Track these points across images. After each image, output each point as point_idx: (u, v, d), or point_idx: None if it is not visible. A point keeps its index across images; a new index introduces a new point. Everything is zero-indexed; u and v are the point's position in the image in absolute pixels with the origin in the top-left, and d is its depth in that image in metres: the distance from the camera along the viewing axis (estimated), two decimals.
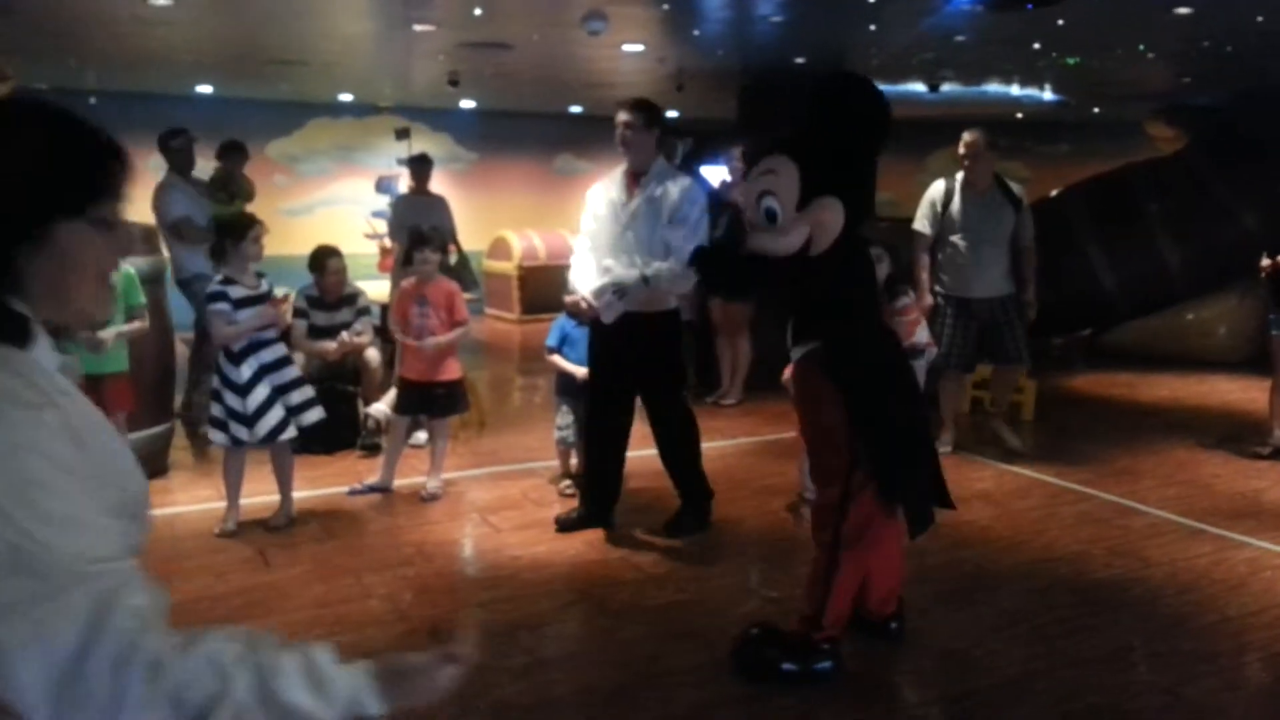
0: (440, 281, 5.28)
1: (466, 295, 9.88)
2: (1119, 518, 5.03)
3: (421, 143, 11.61)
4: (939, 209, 6.02)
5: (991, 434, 6.30)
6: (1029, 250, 5.93)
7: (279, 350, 4.54)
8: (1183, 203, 9.48)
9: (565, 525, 4.66)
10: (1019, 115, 12.43)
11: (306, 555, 4.33)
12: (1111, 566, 4.37)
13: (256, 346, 4.45)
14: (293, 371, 4.61)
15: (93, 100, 10.08)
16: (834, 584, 3.27)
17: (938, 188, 6.10)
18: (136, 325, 4.57)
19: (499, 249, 12.34)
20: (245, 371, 4.41)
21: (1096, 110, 12.24)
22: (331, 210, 11.87)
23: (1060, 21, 5.76)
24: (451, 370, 5.21)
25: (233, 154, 7.79)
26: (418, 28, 6.19)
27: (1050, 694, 3.26)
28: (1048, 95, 10.46)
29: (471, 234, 12.20)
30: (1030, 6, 4.06)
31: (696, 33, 6.51)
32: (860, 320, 3.31)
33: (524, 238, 12.22)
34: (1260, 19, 5.75)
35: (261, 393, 4.42)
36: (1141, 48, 6.85)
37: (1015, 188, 6.00)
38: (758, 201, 3.21)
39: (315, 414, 4.65)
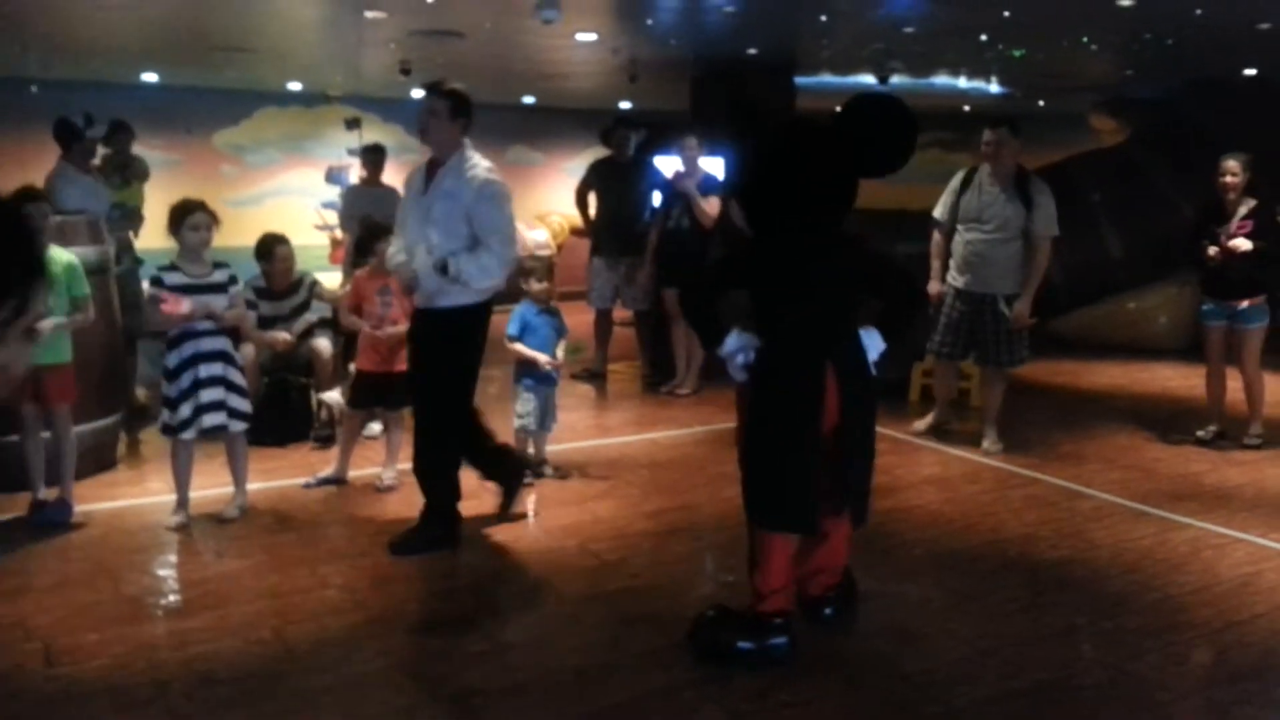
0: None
1: None
2: (1065, 500, 5.15)
3: (373, 133, 11.51)
4: (954, 197, 6.05)
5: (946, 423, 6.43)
6: (1042, 248, 5.84)
7: (218, 343, 4.45)
8: (1124, 193, 9.69)
9: (399, 548, 4.21)
10: (966, 108, 12.60)
11: (260, 547, 4.29)
12: (1058, 548, 4.47)
13: (192, 336, 4.37)
14: (230, 370, 4.50)
15: (34, 88, 9.85)
16: (759, 554, 3.38)
17: (958, 176, 6.13)
18: (79, 317, 4.49)
19: None
20: (173, 360, 4.36)
21: (1041, 103, 12.44)
22: (280, 201, 11.69)
23: (1006, 13, 5.86)
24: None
25: (120, 135, 7.66)
26: (369, 14, 6.13)
27: (999, 671, 3.34)
28: (994, 88, 10.62)
29: None
30: None
31: (650, 22, 6.53)
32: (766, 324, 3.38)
33: None
34: (1199, 11, 5.89)
35: (185, 381, 4.35)
36: (1085, 39, 6.99)
37: (1036, 183, 5.91)
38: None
39: (247, 409, 4.61)
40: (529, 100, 12.43)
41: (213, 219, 4.52)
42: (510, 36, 7.01)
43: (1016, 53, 7.67)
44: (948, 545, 4.51)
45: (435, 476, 4.34)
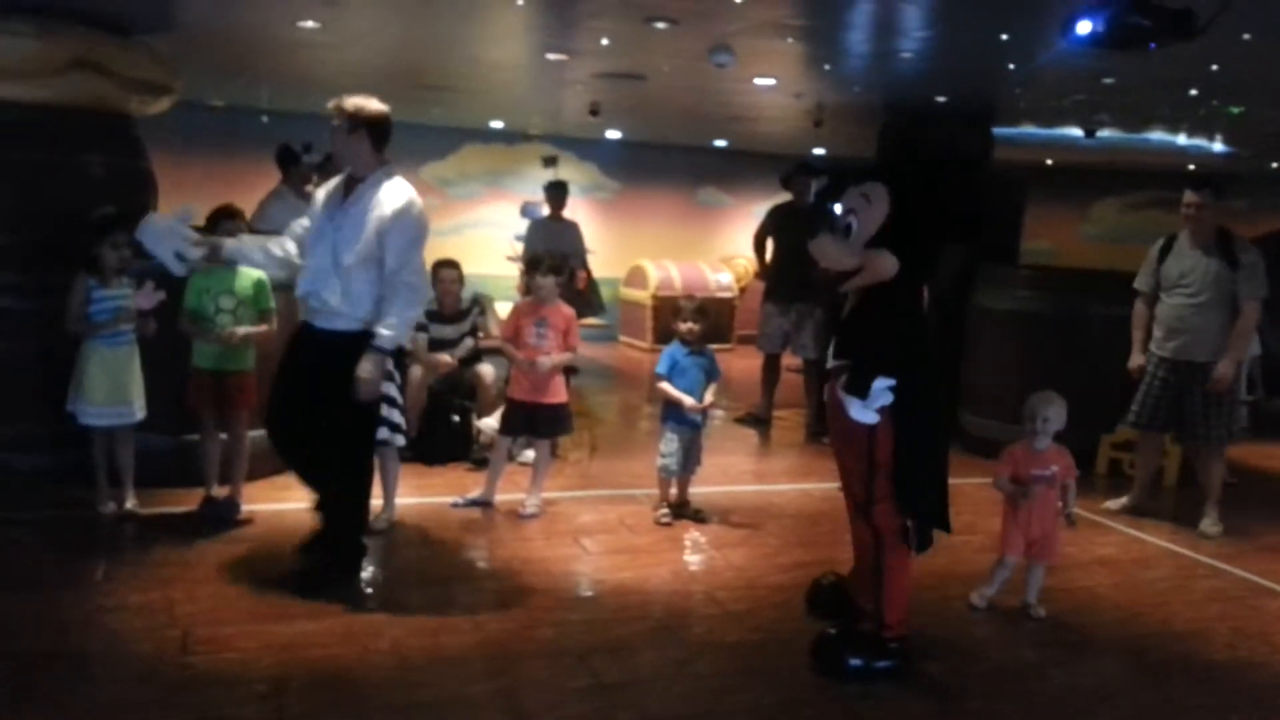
0: (560, 305, 5.35)
1: (593, 320, 10.11)
2: (1252, 597, 4.64)
3: (568, 171, 11.90)
4: (1155, 265, 5.77)
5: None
6: (1247, 309, 5.42)
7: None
8: None
9: (303, 583, 3.99)
10: (1190, 167, 11.76)
11: (398, 560, 4.44)
12: (1234, 648, 4.03)
13: None
14: (390, 386, 4.65)
15: (265, 119, 10.74)
16: (884, 583, 3.58)
17: (1157, 244, 5.85)
18: (264, 327, 4.80)
19: (635, 277, 12.46)
20: None
21: (1276, 165, 11.48)
22: (478, 232, 12.24)
23: (1214, 67, 5.43)
24: (558, 393, 5.27)
25: (330, 166, 8.09)
26: (550, 56, 6.34)
27: None
28: (1217, 147, 9.87)
29: (611, 262, 12.42)
30: (1153, 46, 3.83)
31: (828, 67, 6.44)
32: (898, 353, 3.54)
33: (660, 268, 12.31)
34: None
35: None
36: None
37: (1240, 242, 5.56)
38: (845, 213, 3.51)
39: (401, 423, 4.81)
40: (720, 143, 12.53)
41: None
42: (690, 80, 7.08)
43: (1234, 110, 7.09)
44: (1107, 631, 4.15)
45: (353, 505, 4.17)
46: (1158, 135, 9.15)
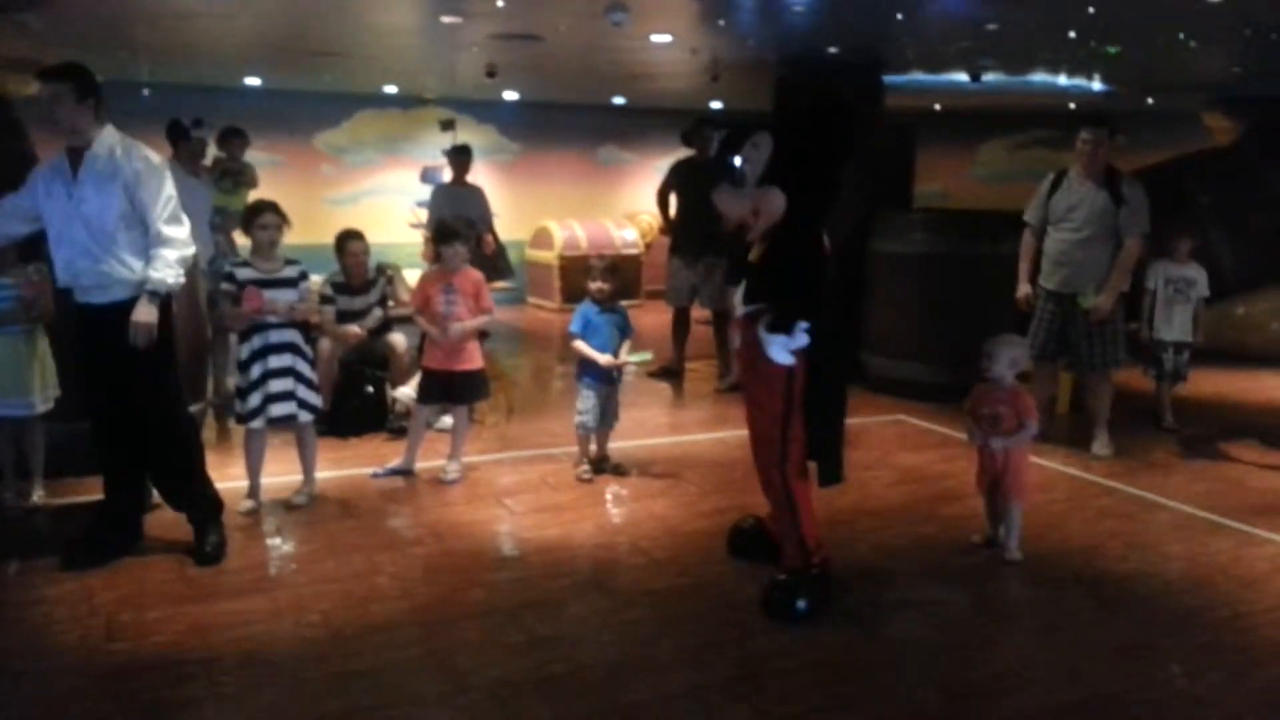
0: (467, 270, 5.35)
1: (502, 284, 10.07)
2: (1142, 512, 4.95)
3: (467, 134, 11.75)
4: (1044, 199, 5.99)
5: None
6: (1129, 245, 5.70)
7: (286, 336, 4.60)
8: (1234, 195, 9.27)
9: (72, 558, 3.99)
10: (1071, 106, 12.17)
11: (322, 533, 4.43)
12: (1127, 560, 4.31)
13: (262, 329, 4.54)
14: (299, 361, 4.66)
15: (146, 92, 10.35)
16: (798, 518, 3.74)
17: (1048, 179, 6.07)
18: None
19: (541, 239, 12.44)
20: (244, 351, 4.55)
21: (1150, 101, 11.94)
22: (377, 200, 12.03)
23: (1090, 10, 5.64)
24: (473, 359, 5.28)
25: (234, 140, 7.92)
26: (446, 19, 6.26)
27: (1045, 685, 3.24)
28: (1096, 86, 10.23)
29: (515, 224, 12.37)
30: None
31: (721, 23, 6.49)
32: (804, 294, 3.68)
33: (566, 228, 12.30)
34: None
35: (255, 372, 4.53)
36: (1182, 36, 6.68)
37: (1127, 180, 5.80)
38: (741, 164, 3.69)
39: (316, 400, 4.76)
40: (620, 101, 12.51)
41: (282, 219, 4.70)
42: (587, 39, 7.06)
43: (1111, 50, 7.37)
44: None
45: (192, 478, 4.23)
46: (1040, 77, 9.44)
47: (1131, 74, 9.36)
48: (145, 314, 3.85)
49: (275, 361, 4.58)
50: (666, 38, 6.97)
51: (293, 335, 4.67)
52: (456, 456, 5.29)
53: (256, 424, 4.59)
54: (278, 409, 4.58)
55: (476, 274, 5.39)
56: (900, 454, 5.92)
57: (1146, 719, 3.04)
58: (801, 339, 3.60)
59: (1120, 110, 12.56)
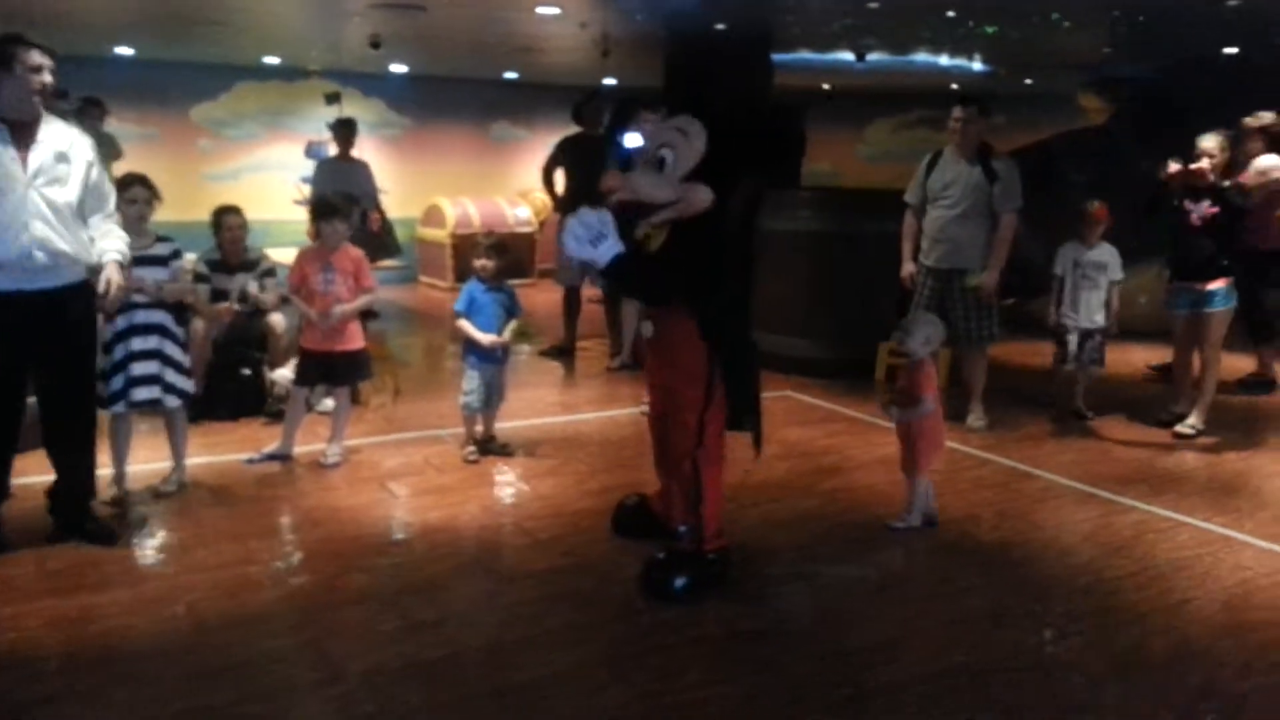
0: (347, 248, 5.20)
1: (390, 262, 9.85)
2: (1014, 482, 5.11)
3: (353, 108, 11.42)
4: (923, 178, 6.09)
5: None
6: (1004, 220, 5.84)
7: (154, 317, 4.39)
8: (1105, 173, 9.61)
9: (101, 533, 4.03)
10: (954, 86, 12.46)
11: (191, 521, 4.27)
12: (998, 529, 4.44)
13: (127, 309, 4.31)
14: (166, 343, 4.46)
15: None
16: (704, 500, 3.69)
17: (926, 158, 6.18)
18: None
19: (432, 216, 12.21)
20: (108, 332, 4.32)
21: (1029, 82, 12.31)
22: (259, 176, 11.63)
23: None
24: (354, 339, 5.14)
25: (91, 111, 7.58)
26: None
27: (918, 654, 3.31)
28: (977, 66, 10.50)
29: (405, 201, 12.11)
30: None
31: None
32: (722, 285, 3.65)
33: (458, 205, 12.10)
34: None
35: (118, 354, 4.32)
36: (1055, 16, 6.88)
37: (1000, 160, 5.93)
38: (657, 147, 3.57)
39: (184, 384, 4.55)
40: (512, 75, 12.33)
41: (151, 193, 4.50)
42: (473, 10, 6.92)
43: (989, 29, 7.56)
44: (888, 526, 4.47)
45: (93, 449, 4.15)
46: (923, 57, 9.64)
47: (1010, 54, 9.63)
48: (119, 276, 3.84)
49: (140, 344, 4.37)
50: (554, 10, 6.88)
51: (161, 316, 4.46)
52: (337, 440, 5.16)
53: (119, 409, 4.38)
54: (141, 393, 4.37)
55: (356, 252, 5.24)
56: (786, 429, 5.99)
57: (1013, 683, 3.14)
58: (606, 252, 3.50)
59: (1001, 91, 12.97)
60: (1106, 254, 6.21)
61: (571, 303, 8.07)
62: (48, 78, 3.70)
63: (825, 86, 13.11)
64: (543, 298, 10.20)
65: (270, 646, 3.20)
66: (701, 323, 3.61)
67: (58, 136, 3.78)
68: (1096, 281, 6.18)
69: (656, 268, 3.66)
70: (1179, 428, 5.92)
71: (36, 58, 3.67)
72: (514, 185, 13.27)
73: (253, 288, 5.93)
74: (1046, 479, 5.14)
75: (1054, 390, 6.50)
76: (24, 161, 3.69)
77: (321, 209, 5.23)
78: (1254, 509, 4.75)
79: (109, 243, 3.89)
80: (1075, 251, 6.23)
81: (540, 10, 6.83)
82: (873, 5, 6.40)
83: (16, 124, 3.69)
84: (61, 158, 3.77)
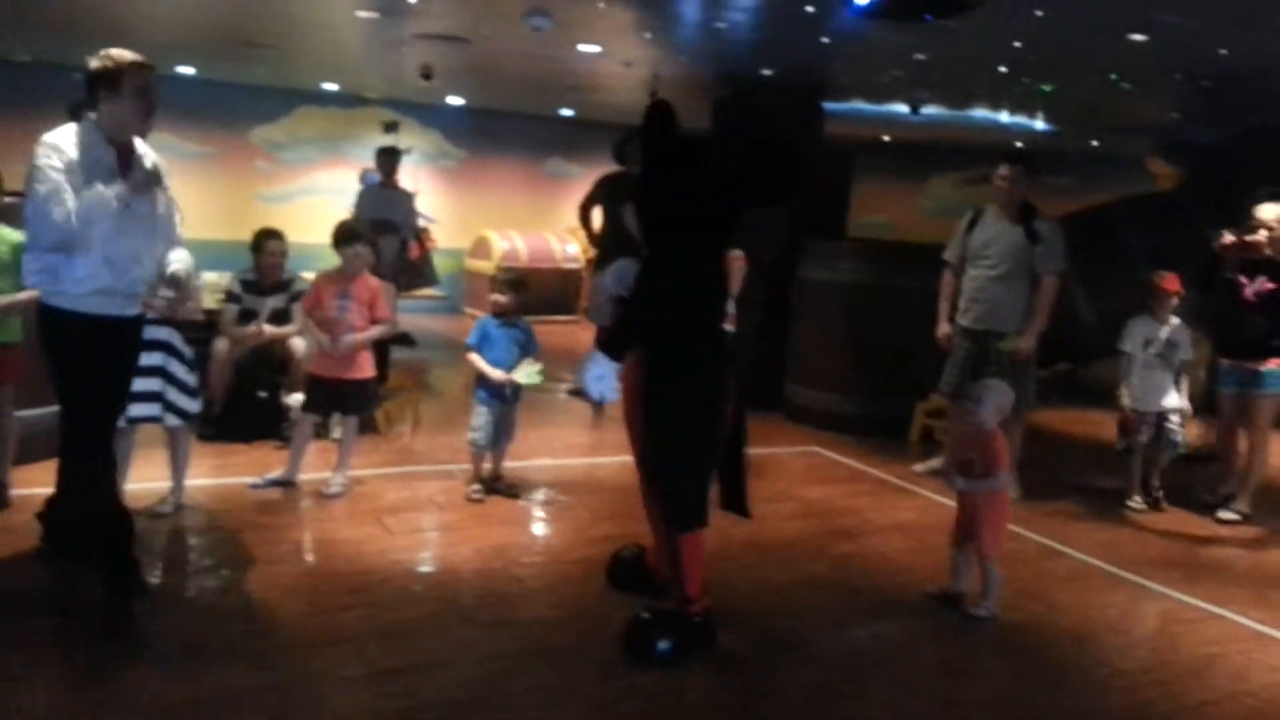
0: (366, 277, 5.16)
1: (429, 291, 9.85)
2: (1040, 559, 4.84)
3: (410, 137, 11.56)
4: (963, 236, 5.91)
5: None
6: (1044, 284, 5.61)
7: (160, 334, 4.33)
8: (1166, 240, 9.27)
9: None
10: (1018, 144, 12.21)
11: (178, 546, 4.20)
12: (1017, 609, 4.18)
13: None
14: (171, 362, 4.41)
15: (77, 75, 10.02)
16: (681, 562, 3.53)
17: (966, 216, 6.00)
18: (27, 295, 4.44)
19: (480, 248, 12.23)
20: None
21: (1095, 143, 12.01)
22: (313, 199, 11.75)
23: (1017, 44, 5.58)
24: (364, 368, 5.08)
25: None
26: (360, 14, 6.08)
27: None
28: (1039, 125, 10.25)
29: (456, 231, 12.18)
30: (929, 18, 3.91)
31: (649, 35, 6.36)
32: (679, 335, 3.52)
33: (506, 238, 12.11)
34: (1223, 52, 5.54)
35: None
36: (1114, 77, 6.66)
37: (1044, 221, 5.70)
38: None
39: (187, 404, 4.48)
40: (566, 112, 12.36)
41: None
42: (513, 45, 6.89)
43: (1046, 88, 7.35)
44: (896, 598, 4.24)
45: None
46: (981, 113, 9.44)
47: (1072, 114, 9.37)
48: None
49: (143, 360, 4.32)
50: (595, 48, 6.83)
51: (167, 334, 4.41)
52: (342, 469, 5.08)
53: (120, 424, 4.33)
54: (139, 409, 4.31)
55: (375, 282, 5.20)
56: (806, 487, 5.79)
57: None
58: (609, 388, 3.49)
59: (1066, 150, 12.69)
60: (1179, 331, 5.73)
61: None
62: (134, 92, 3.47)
63: (885, 138, 12.93)
64: (587, 335, 10.10)
65: (226, 685, 3.08)
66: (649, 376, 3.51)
67: (147, 158, 3.57)
68: (1170, 360, 5.68)
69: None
70: (1222, 513, 5.59)
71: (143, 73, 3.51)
72: (564, 221, 13.25)
73: (262, 327, 5.90)
74: (1075, 559, 4.86)
75: (1128, 480, 5.90)
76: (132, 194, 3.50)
77: (343, 234, 5.19)
78: None
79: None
80: (1146, 328, 5.75)
81: (581, 48, 6.78)
82: (918, 57, 6.24)
83: (121, 143, 3.52)
84: (154, 189, 3.59)
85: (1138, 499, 5.75)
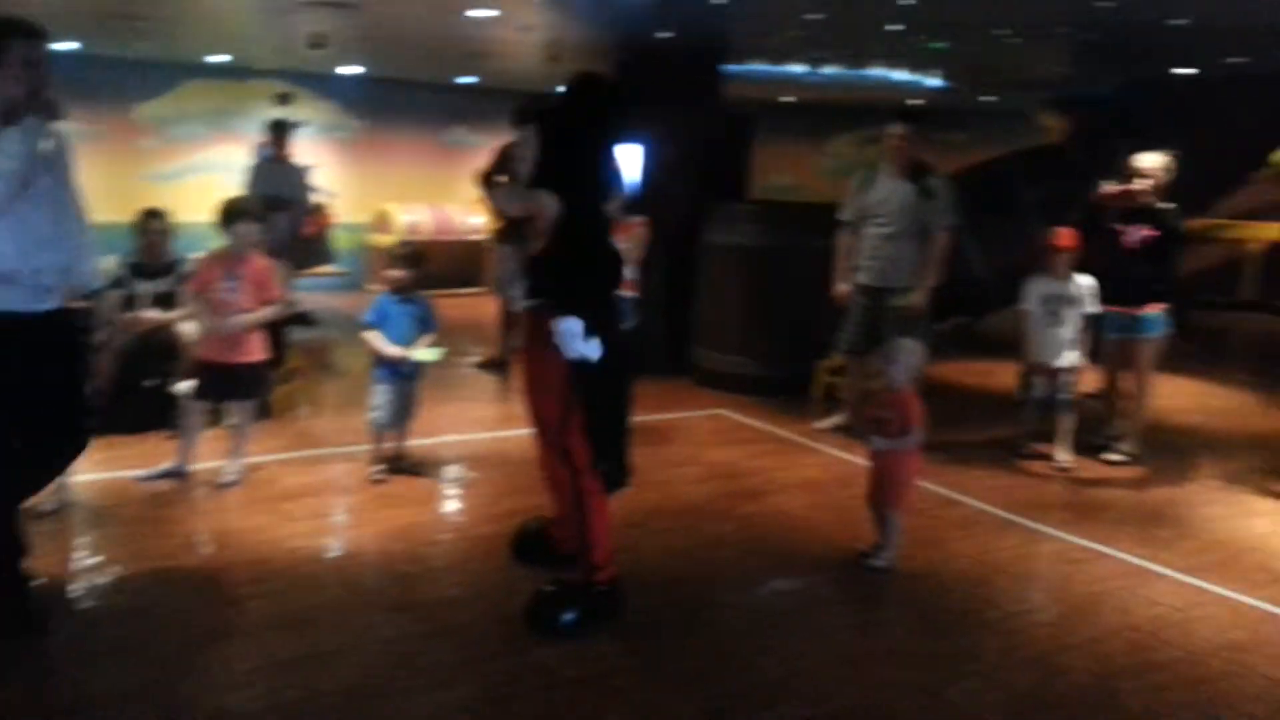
0: (255, 256, 5.01)
1: (327, 268, 9.64)
2: (937, 508, 4.96)
3: (304, 110, 11.23)
4: (857, 196, 5.99)
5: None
6: (936, 239, 5.75)
7: None
8: (1057, 192, 9.53)
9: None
10: (915, 102, 12.39)
11: (60, 546, 4.04)
12: (913, 559, 4.28)
13: None
14: None
15: None
16: (586, 524, 3.52)
17: (859, 175, 6.09)
18: None
19: (382, 222, 11.99)
20: None
21: (989, 98, 12.26)
22: (204, 177, 11.30)
23: (909, 1, 5.64)
24: (254, 351, 4.94)
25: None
26: None
27: (807, 695, 3.16)
28: (933, 82, 10.41)
29: (355, 205, 11.90)
30: None
31: None
32: (586, 293, 3.47)
33: (408, 211, 11.90)
34: (1108, 4, 5.66)
35: None
36: (1002, 32, 6.77)
37: (934, 178, 5.84)
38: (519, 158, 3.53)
39: None
40: (468, 80, 12.13)
41: None
42: (405, 9, 6.71)
43: (937, 45, 7.45)
44: (800, 554, 4.32)
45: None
46: (878, 71, 9.54)
47: (967, 71, 9.54)
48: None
49: None
50: (491, 12, 6.68)
51: None
52: (236, 457, 4.95)
53: None
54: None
55: (264, 262, 5.06)
56: (712, 449, 5.84)
57: None
58: (594, 346, 3.42)
59: (960, 107, 12.93)
60: (1076, 287, 5.71)
61: (508, 315, 7.89)
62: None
63: (787, 99, 13.00)
64: (491, 308, 9.98)
65: (116, 686, 3.00)
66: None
67: (54, 132, 3.22)
68: (1064, 318, 5.70)
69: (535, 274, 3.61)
70: (1108, 455, 5.80)
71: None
72: (469, 193, 13.04)
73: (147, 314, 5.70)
74: (970, 505, 5.00)
75: (1021, 429, 5.98)
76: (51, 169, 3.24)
77: (229, 212, 5.03)
78: (1176, 539, 4.63)
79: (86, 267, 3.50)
80: (1043, 286, 5.77)
81: (476, 12, 6.64)
82: (812, 17, 6.26)
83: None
84: (62, 158, 3.28)
85: (1064, 455, 5.71)
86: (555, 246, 3.51)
